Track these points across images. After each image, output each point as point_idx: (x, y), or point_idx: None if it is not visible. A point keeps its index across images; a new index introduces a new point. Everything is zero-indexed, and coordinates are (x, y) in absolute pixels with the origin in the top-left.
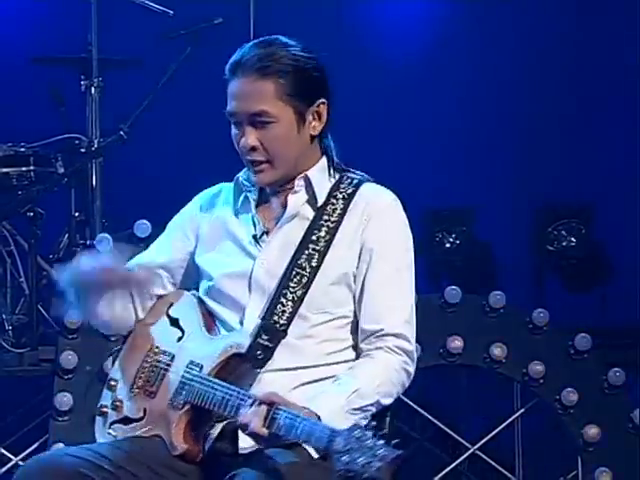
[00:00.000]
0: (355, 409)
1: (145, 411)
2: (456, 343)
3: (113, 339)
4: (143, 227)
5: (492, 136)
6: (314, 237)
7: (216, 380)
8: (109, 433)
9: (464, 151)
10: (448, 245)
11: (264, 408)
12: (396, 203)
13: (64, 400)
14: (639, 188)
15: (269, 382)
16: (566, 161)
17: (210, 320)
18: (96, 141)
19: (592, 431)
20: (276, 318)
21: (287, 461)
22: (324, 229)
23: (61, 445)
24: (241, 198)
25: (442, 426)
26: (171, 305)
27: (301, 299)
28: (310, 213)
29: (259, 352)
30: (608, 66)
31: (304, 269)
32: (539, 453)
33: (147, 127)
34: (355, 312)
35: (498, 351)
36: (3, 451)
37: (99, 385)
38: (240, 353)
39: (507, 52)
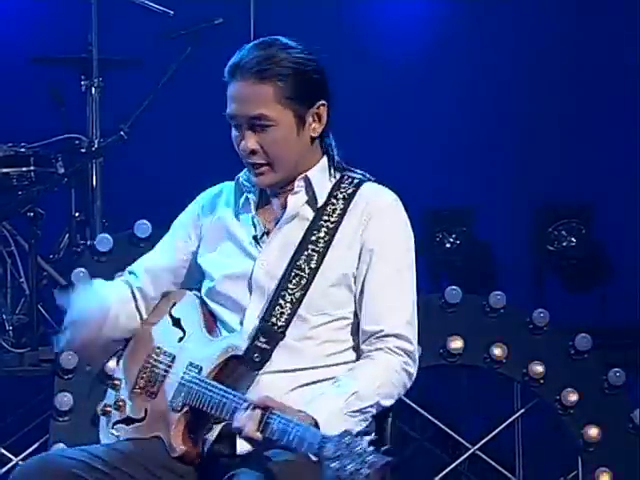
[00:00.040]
0: (354, 411)
1: (146, 412)
2: (456, 343)
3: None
4: (143, 227)
5: (492, 136)
6: (313, 238)
7: (214, 383)
8: (112, 433)
9: (464, 151)
10: (448, 245)
11: (258, 412)
12: (396, 203)
13: (64, 400)
14: (639, 188)
15: (268, 384)
16: (566, 161)
17: (211, 321)
18: (96, 141)
19: (592, 431)
20: (274, 320)
21: (285, 461)
22: (324, 230)
23: (61, 445)
24: (242, 199)
25: (442, 426)
26: (174, 305)
27: (300, 301)
28: (310, 214)
29: (256, 355)
30: (608, 66)
31: (303, 270)
32: (539, 453)
33: (147, 127)
34: (355, 313)
35: (498, 351)
36: (3, 451)
37: (99, 385)
38: (237, 355)
39: (507, 52)
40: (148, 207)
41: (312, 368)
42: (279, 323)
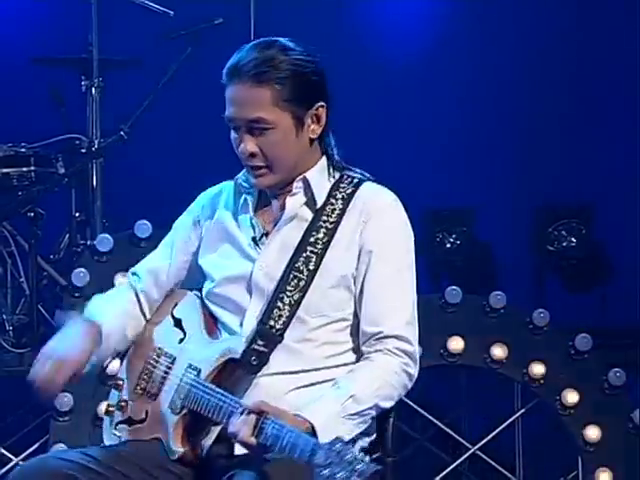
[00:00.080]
0: (352, 414)
1: (147, 413)
2: (456, 343)
3: None
4: (143, 227)
5: (492, 136)
6: (312, 239)
7: (211, 386)
8: (114, 434)
9: (464, 151)
10: (448, 245)
11: (253, 417)
12: (396, 203)
13: (64, 400)
14: (639, 188)
15: (266, 386)
16: (566, 161)
17: (211, 322)
18: (96, 141)
19: (592, 431)
20: (272, 322)
21: (282, 462)
22: (322, 230)
23: (61, 445)
24: (241, 200)
25: (442, 426)
26: (176, 305)
27: (298, 303)
28: (309, 214)
29: (253, 358)
30: (608, 66)
31: (301, 272)
32: (539, 453)
33: (147, 127)
34: (355, 314)
35: (498, 351)
36: (3, 451)
37: (100, 385)
38: (235, 358)
39: (507, 52)
40: (148, 207)
41: (311, 370)
42: (277, 326)
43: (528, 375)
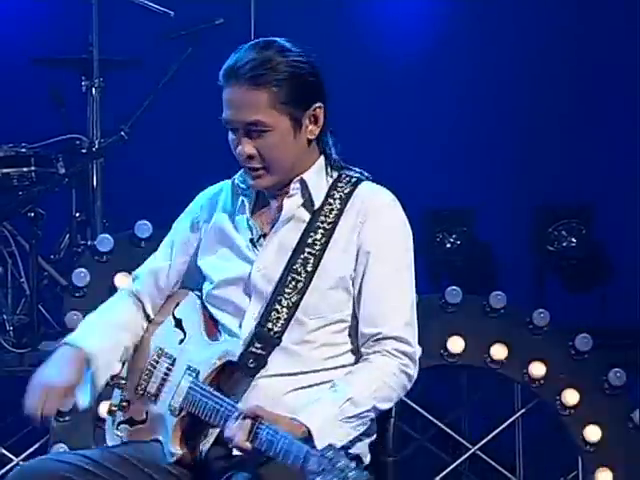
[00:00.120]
0: (349, 417)
1: (147, 414)
2: (457, 343)
3: None
4: (144, 227)
5: (492, 136)
6: (310, 240)
7: (209, 389)
8: (116, 434)
9: (464, 151)
10: (448, 245)
11: (248, 422)
12: (394, 203)
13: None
14: (639, 188)
15: (265, 387)
16: (566, 161)
17: (211, 323)
18: (97, 142)
19: (592, 431)
20: (270, 325)
21: (280, 463)
22: (320, 231)
23: (62, 445)
24: (238, 201)
25: (443, 426)
26: (177, 305)
27: (296, 305)
28: (306, 215)
29: (251, 360)
30: (608, 66)
31: (299, 274)
32: (540, 453)
33: (148, 127)
34: (354, 316)
35: (498, 351)
36: (4, 451)
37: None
38: (232, 361)
39: (507, 51)
40: (149, 207)
41: (310, 372)
42: (275, 328)
43: (528, 375)
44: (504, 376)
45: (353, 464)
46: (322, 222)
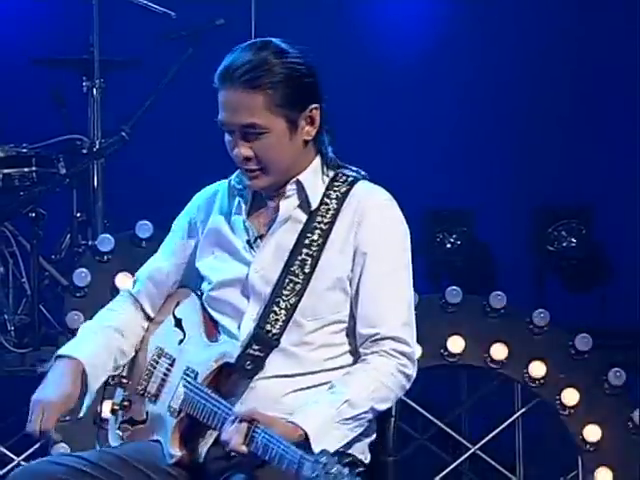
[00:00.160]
0: (347, 419)
1: (147, 414)
2: (457, 343)
3: None
4: (145, 227)
5: (492, 136)
6: (307, 241)
7: (207, 391)
8: (118, 434)
9: (464, 151)
10: (449, 245)
11: (244, 425)
12: (390, 202)
13: None
14: (639, 189)
15: (263, 389)
16: (566, 161)
17: (211, 324)
18: (98, 142)
19: (592, 431)
20: (269, 327)
21: None
22: (317, 232)
23: (63, 445)
24: (235, 202)
25: (443, 426)
26: (178, 304)
27: (295, 306)
28: (303, 217)
29: (248, 362)
30: (608, 67)
31: (297, 276)
32: (540, 453)
33: (149, 128)
34: (351, 316)
35: (498, 351)
36: (5, 451)
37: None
38: (230, 363)
39: (507, 52)
40: (149, 207)
41: (308, 373)
42: (274, 330)
43: (528, 375)
44: (504, 376)
45: (346, 470)
46: (319, 223)
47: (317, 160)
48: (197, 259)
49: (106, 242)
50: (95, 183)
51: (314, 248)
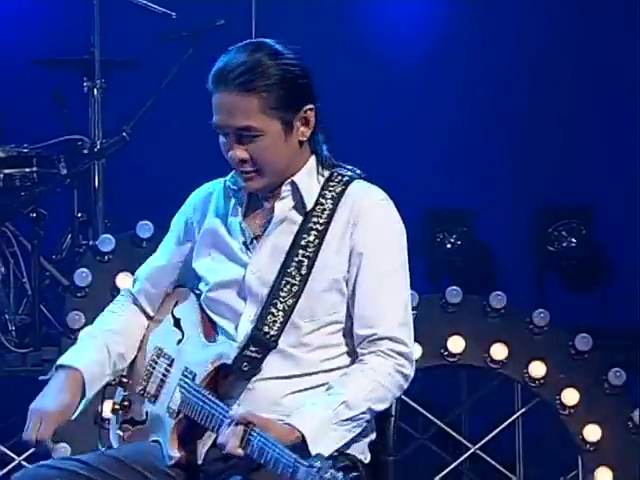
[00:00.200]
0: (344, 420)
1: (147, 414)
2: (457, 343)
3: None
4: (145, 228)
5: (493, 137)
6: (303, 242)
7: (205, 392)
8: (118, 434)
9: (465, 152)
10: (449, 245)
11: (240, 428)
12: (386, 202)
13: None
14: (639, 189)
15: (261, 391)
16: (566, 162)
17: (209, 324)
18: (99, 142)
19: (592, 431)
20: (267, 329)
21: None
22: (313, 233)
23: (63, 445)
24: (230, 204)
25: (443, 426)
26: (176, 304)
27: (292, 308)
28: (298, 218)
29: (245, 364)
30: (608, 67)
31: (294, 277)
32: (540, 453)
33: (149, 128)
34: (348, 317)
35: (498, 351)
36: (6, 451)
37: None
38: (226, 364)
39: (507, 52)
40: (150, 207)
41: (306, 375)
42: (271, 332)
43: (528, 375)
44: (504, 376)
45: (340, 475)
46: (314, 223)
47: (312, 160)
48: (194, 260)
49: (107, 242)
50: (96, 183)
51: (310, 249)
